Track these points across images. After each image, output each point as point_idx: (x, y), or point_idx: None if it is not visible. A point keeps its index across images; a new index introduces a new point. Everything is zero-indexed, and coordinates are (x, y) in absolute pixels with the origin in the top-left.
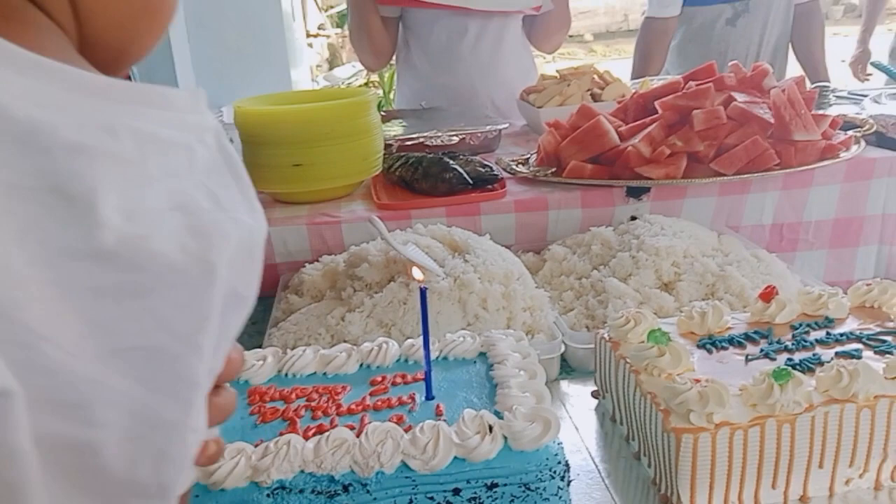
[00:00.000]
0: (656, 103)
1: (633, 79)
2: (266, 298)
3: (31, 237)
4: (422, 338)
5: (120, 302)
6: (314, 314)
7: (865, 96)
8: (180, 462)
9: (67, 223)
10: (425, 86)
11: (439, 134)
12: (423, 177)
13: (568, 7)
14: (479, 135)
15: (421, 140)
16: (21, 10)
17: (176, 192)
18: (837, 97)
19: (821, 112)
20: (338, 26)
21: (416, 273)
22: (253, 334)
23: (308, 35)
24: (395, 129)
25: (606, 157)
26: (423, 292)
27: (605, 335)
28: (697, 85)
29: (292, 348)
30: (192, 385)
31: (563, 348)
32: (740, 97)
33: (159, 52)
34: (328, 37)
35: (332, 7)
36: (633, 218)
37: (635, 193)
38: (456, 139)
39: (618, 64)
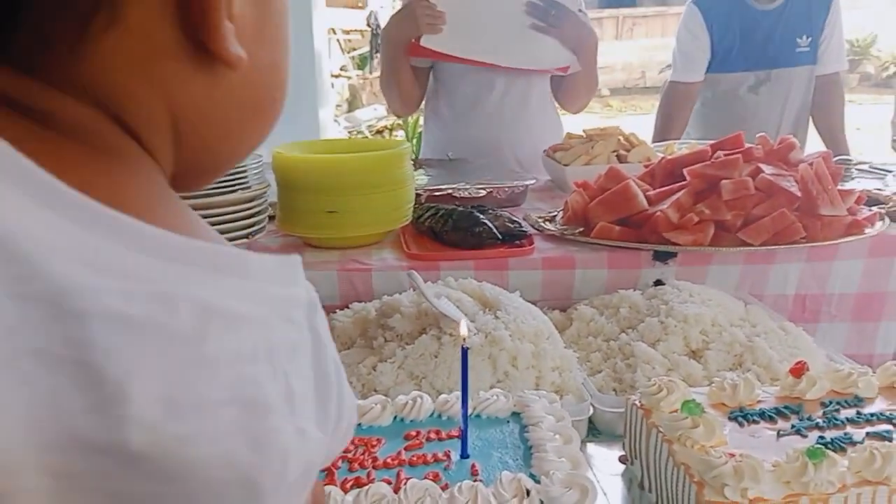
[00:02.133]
0: (685, 171)
1: (654, 141)
2: None
3: (45, 413)
4: (460, 395)
5: None
6: (345, 362)
7: (889, 171)
8: None
9: (91, 408)
10: (451, 136)
11: (467, 186)
12: (454, 229)
13: (595, 70)
14: (507, 189)
15: (449, 192)
16: (112, 140)
17: (239, 380)
18: (859, 171)
19: (846, 188)
20: (359, 68)
21: (463, 329)
22: None
23: (331, 76)
24: (420, 178)
25: (634, 221)
26: (464, 351)
27: (637, 402)
28: (726, 155)
29: None
30: None
31: (591, 411)
32: (768, 169)
33: None
34: (349, 78)
35: (354, 49)
36: (659, 282)
37: (662, 258)
38: (483, 192)
39: (634, 119)
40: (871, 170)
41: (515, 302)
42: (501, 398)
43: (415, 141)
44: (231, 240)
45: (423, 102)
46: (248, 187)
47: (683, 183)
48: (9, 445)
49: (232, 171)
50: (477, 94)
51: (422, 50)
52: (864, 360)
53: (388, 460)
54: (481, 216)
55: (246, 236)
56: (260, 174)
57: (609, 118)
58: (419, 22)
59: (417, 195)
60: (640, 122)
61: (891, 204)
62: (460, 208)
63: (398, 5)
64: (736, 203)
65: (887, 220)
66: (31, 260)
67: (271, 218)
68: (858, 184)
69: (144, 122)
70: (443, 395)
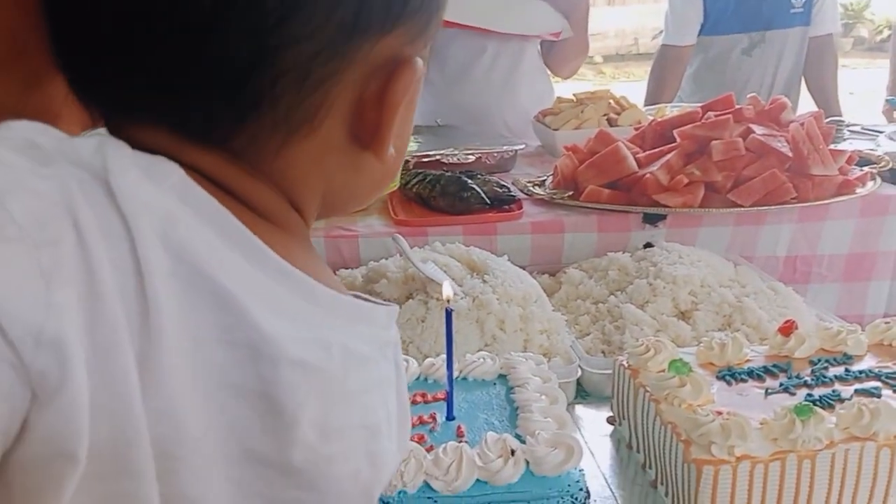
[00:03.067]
0: (675, 132)
1: (646, 105)
2: None
3: (234, 435)
4: (445, 358)
5: None
6: None
7: (880, 132)
8: None
9: (269, 431)
10: (441, 103)
11: (456, 152)
12: (441, 195)
13: (587, 34)
14: (496, 154)
15: (438, 157)
16: (287, 216)
17: (365, 409)
18: (851, 132)
19: (837, 147)
20: None
21: (446, 290)
22: None
23: None
24: (409, 144)
25: (624, 183)
26: (448, 313)
27: (625, 362)
28: (716, 116)
29: None
30: None
31: (579, 373)
32: (759, 130)
33: None
34: None
35: None
36: (648, 244)
37: (652, 220)
38: (472, 158)
39: (627, 86)
40: (864, 131)
41: (503, 266)
42: (488, 360)
43: None
44: None
45: None
46: None
47: (673, 145)
48: (206, 458)
49: None
50: (467, 59)
51: None
52: (855, 320)
53: None
54: (469, 181)
55: None
56: None
57: (602, 85)
58: None
59: (405, 161)
60: (633, 88)
61: (882, 164)
62: (448, 174)
63: None
64: (726, 164)
65: (878, 179)
66: (242, 312)
67: None
68: (850, 145)
69: (309, 200)
70: (429, 359)
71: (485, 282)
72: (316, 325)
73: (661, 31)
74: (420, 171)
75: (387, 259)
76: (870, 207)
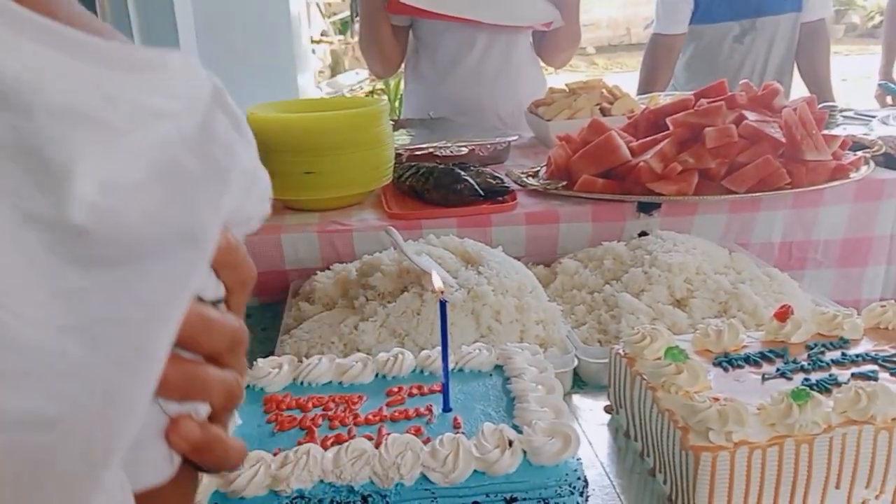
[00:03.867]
0: (668, 120)
1: (639, 94)
2: (275, 305)
3: (2, 198)
4: (440, 349)
5: (87, 274)
6: (327, 322)
7: (873, 117)
8: (126, 436)
9: (41, 189)
10: (433, 96)
11: (449, 144)
12: (435, 187)
13: (578, 24)
14: (489, 146)
15: (431, 150)
16: None
17: (163, 162)
18: (845, 117)
19: (830, 133)
20: (340, 33)
21: (437, 282)
22: (263, 340)
23: (311, 41)
24: (402, 138)
25: (617, 172)
26: (442, 305)
27: (621, 351)
28: (709, 102)
29: (306, 356)
30: (153, 359)
31: (575, 362)
32: (752, 116)
33: None
34: (331, 43)
35: (335, 14)
36: (643, 233)
37: (646, 209)
38: (465, 150)
39: (620, 77)
40: (857, 116)
41: (498, 257)
42: (484, 352)
43: (398, 104)
44: None
45: (404, 63)
46: None
47: (667, 133)
48: None
49: None
50: (458, 51)
51: (402, 7)
52: (852, 304)
53: (370, 416)
54: (463, 173)
55: None
56: None
57: (595, 76)
58: None
59: (398, 154)
60: (625, 78)
61: (876, 148)
62: (441, 166)
63: None
64: (720, 151)
65: (872, 164)
66: None
67: None
68: (843, 130)
69: None
70: (424, 351)
71: (479, 273)
72: (93, 79)
73: (652, 21)
74: (413, 164)
75: (381, 252)
76: (864, 192)
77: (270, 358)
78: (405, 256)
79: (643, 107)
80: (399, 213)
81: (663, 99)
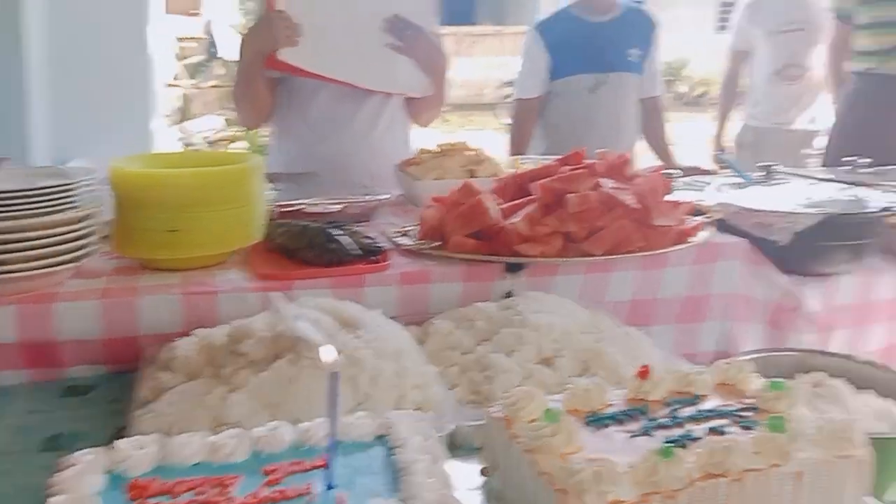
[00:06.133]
0: (533, 185)
1: (511, 152)
2: (125, 374)
3: None
4: (324, 423)
5: None
6: (191, 394)
7: (708, 183)
8: None
9: None
10: (302, 151)
11: (319, 202)
12: (308, 246)
13: (445, 89)
14: (360, 204)
15: (300, 207)
16: None
17: None
18: (685, 183)
19: (675, 200)
20: (192, 77)
21: (328, 355)
22: (111, 414)
23: (166, 85)
24: (268, 193)
25: (487, 234)
26: (334, 377)
27: (498, 413)
28: (571, 170)
29: (169, 433)
30: None
31: (452, 426)
32: (608, 183)
33: (13, 95)
34: (181, 87)
35: (186, 58)
36: (509, 293)
37: (514, 269)
38: (337, 207)
39: (473, 135)
40: (694, 182)
41: (376, 319)
42: (365, 421)
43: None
44: (58, 264)
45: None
46: (76, 206)
47: (533, 197)
48: None
49: (59, 188)
50: (330, 108)
51: (279, 63)
52: (690, 358)
53: (247, 499)
54: (336, 232)
55: (74, 260)
56: (92, 191)
57: (448, 133)
58: (277, 35)
59: (268, 211)
60: (478, 136)
61: (712, 214)
62: (314, 224)
63: (237, 14)
64: (581, 216)
65: (711, 229)
66: None
67: (106, 239)
68: (682, 195)
69: None
70: (303, 424)
71: (358, 337)
72: None
73: (506, 83)
74: (283, 221)
75: (251, 317)
76: (703, 255)
77: (135, 437)
78: (289, 326)
79: (508, 170)
80: (269, 274)
81: (522, 163)
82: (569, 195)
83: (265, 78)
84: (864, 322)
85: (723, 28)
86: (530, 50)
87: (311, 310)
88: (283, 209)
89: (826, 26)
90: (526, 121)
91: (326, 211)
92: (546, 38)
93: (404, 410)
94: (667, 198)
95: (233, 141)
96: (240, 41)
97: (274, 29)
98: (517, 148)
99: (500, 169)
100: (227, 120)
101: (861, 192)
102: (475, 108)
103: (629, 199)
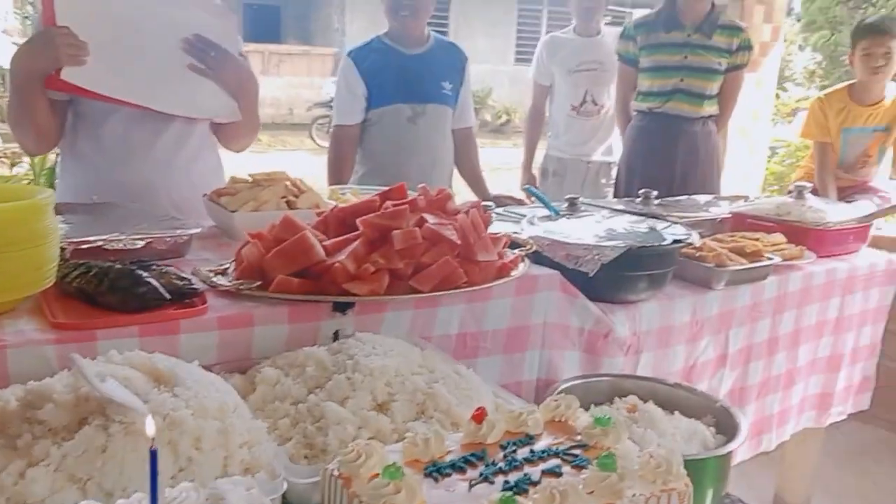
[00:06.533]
0: (358, 221)
1: (330, 184)
2: None
3: None
4: (140, 494)
5: None
6: None
7: (523, 215)
8: None
9: None
10: (95, 178)
11: (122, 237)
12: (111, 290)
13: (257, 112)
14: (168, 239)
15: (100, 244)
16: None
17: None
18: (498, 214)
19: (495, 234)
20: None
21: (150, 428)
22: None
23: None
24: (59, 227)
25: (313, 272)
26: (153, 455)
27: (335, 470)
28: (394, 205)
29: None
30: None
31: (284, 486)
32: (431, 219)
33: None
34: None
35: None
36: (337, 333)
37: (341, 308)
38: (141, 243)
39: (283, 155)
40: (508, 213)
41: (195, 373)
42: (191, 494)
43: (43, 180)
44: None
45: (61, 139)
46: None
47: (357, 233)
48: None
49: None
50: (127, 132)
51: (63, 84)
52: (515, 387)
53: None
54: (144, 273)
55: None
56: None
57: (258, 153)
58: (59, 52)
59: (61, 249)
60: (289, 157)
61: (528, 247)
62: (117, 265)
63: (12, 17)
64: (406, 252)
65: (528, 261)
66: None
67: None
68: (498, 226)
69: None
70: (120, 501)
71: (175, 395)
72: None
73: (316, 104)
74: (81, 262)
75: (52, 377)
76: (522, 287)
77: None
78: (90, 384)
79: (329, 202)
80: (67, 323)
81: (342, 193)
82: (394, 232)
83: (48, 99)
84: (667, 344)
85: (520, 60)
86: (346, 77)
87: (118, 366)
88: (77, 247)
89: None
90: (345, 148)
91: (130, 248)
92: (360, 67)
93: (233, 477)
94: (487, 231)
95: (13, 164)
96: (12, 60)
97: (55, 47)
98: (337, 175)
99: (319, 200)
100: (1, 136)
101: (654, 223)
102: (285, 127)
103: (452, 234)
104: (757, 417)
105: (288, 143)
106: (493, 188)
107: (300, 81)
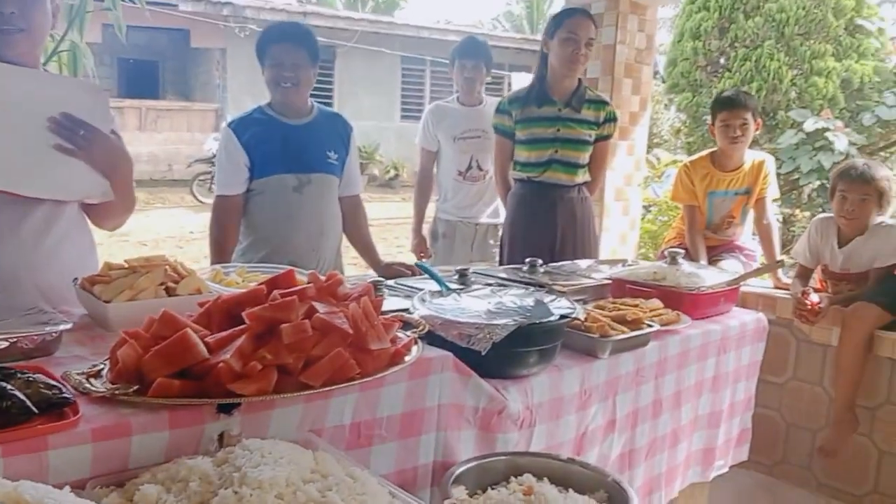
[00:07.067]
0: (244, 314)
1: (213, 261)
2: None
3: None
4: None
5: None
6: None
7: (416, 290)
8: None
9: None
10: None
11: None
12: None
13: (132, 191)
14: (36, 337)
15: None
16: None
17: None
18: (389, 288)
19: (387, 317)
20: None
21: None
22: None
23: None
24: None
25: (195, 372)
26: None
27: None
28: (282, 295)
29: None
30: None
31: None
32: (321, 308)
33: None
34: None
35: None
36: (222, 435)
37: (226, 409)
38: (5, 343)
39: (163, 212)
40: (399, 286)
41: (68, 501)
42: None
43: None
44: None
45: None
46: None
47: (243, 327)
48: None
49: None
50: None
51: None
52: (411, 473)
53: None
54: (7, 385)
55: None
56: None
57: (138, 210)
58: None
59: None
60: (170, 214)
61: (420, 327)
62: None
63: None
64: (296, 346)
65: (421, 344)
66: None
67: None
68: (390, 304)
69: None
70: None
71: None
72: None
73: (196, 160)
74: None
75: None
76: (416, 370)
77: None
78: None
79: (211, 285)
80: None
81: (225, 273)
82: (283, 326)
83: None
84: (559, 415)
85: (406, 117)
86: (227, 148)
87: None
88: None
89: None
90: (228, 218)
91: None
92: (242, 138)
93: None
94: (379, 315)
95: None
96: None
97: None
98: (220, 245)
99: (201, 284)
100: None
101: (542, 296)
102: (164, 184)
103: (344, 324)
104: (646, 478)
105: (168, 199)
106: (384, 243)
107: (180, 137)
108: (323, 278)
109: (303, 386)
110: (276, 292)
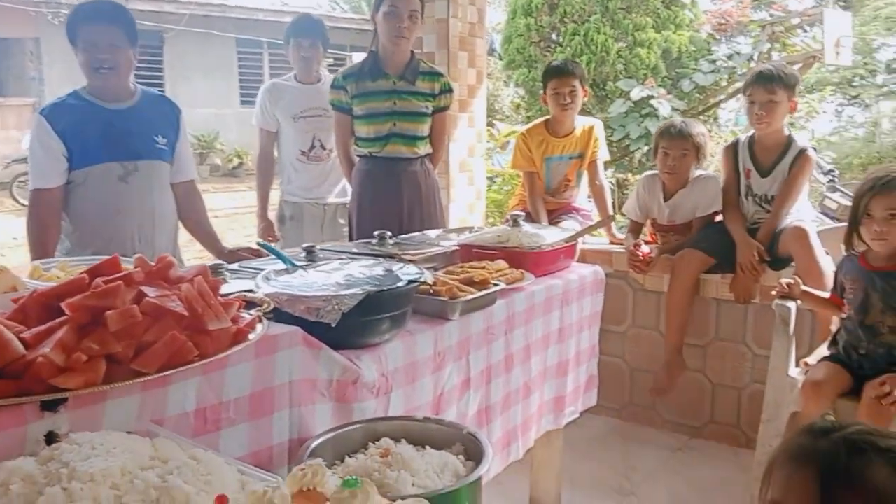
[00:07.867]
0: (63, 305)
1: (34, 257)
2: None
3: None
4: None
5: None
6: None
7: (260, 270)
8: None
9: None
10: None
11: None
12: None
13: None
14: None
15: None
16: None
17: None
18: (233, 272)
19: (227, 298)
20: None
21: None
22: None
23: None
24: None
25: (12, 371)
26: None
27: None
28: (105, 282)
29: None
30: None
31: None
32: (151, 292)
33: None
34: None
35: None
36: (51, 434)
37: (51, 406)
38: None
39: None
40: (242, 269)
41: None
42: None
43: None
44: None
45: None
46: None
47: (63, 319)
48: None
49: None
50: None
51: None
52: (266, 453)
53: None
54: None
55: None
56: None
57: None
58: None
59: None
60: None
61: (265, 305)
62: None
63: None
64: (125, 333)
65: (266, 321)
66: None
67: None
68: (233, 285)
69: None
70: None
71: None
72: None
73: (14, 160)
74: None
75: None
76: (262, 348)
77: None
78: None
79: (28, 282)
80: None
81: (44, 268)
82: (108, 312)
83: None
84: (415, 379)
85: (245, 102)
86: (40, 138)
87: None
88: None
89: None
90: (47, 214)
91: None
92: (57, 126)
93: None
94: (218, 296)
95: None
96: None
97: None
98: (40, 244)
99: (17, 282)
100: None
101: (390, 264)
102: None
103: (178, 306)
104: (504, 431)
105: None
106: (232, 233)
107: None
108: (152, 263)
109: (136, 374)
110: (98, 280)
